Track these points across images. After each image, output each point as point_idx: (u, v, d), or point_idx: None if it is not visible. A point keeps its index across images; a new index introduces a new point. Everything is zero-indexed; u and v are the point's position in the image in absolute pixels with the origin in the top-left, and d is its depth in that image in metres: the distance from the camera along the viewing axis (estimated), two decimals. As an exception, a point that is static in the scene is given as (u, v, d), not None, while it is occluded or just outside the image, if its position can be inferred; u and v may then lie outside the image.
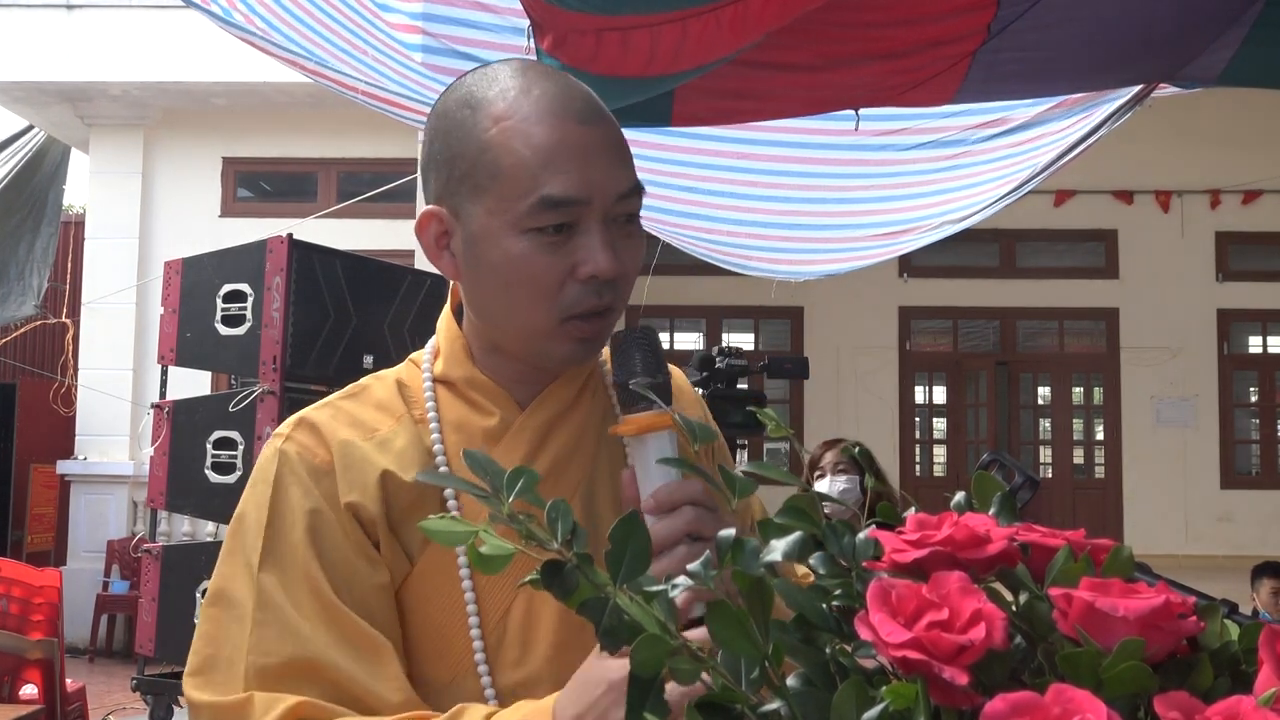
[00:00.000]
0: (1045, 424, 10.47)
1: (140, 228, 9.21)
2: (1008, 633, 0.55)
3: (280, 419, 3.31)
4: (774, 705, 0.57)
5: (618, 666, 0.84)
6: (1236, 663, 0.57)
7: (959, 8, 2.49)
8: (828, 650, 0.58)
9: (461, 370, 1.11)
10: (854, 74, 2.79)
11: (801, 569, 0.64)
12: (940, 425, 10.53)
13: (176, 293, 4.71)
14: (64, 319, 9.39)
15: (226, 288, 4.57)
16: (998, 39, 2.60)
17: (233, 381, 5.01)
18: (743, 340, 10.42)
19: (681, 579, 0.63)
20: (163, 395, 4.96)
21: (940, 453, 10.53)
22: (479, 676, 1.02)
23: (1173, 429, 9.88)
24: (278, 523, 1.01)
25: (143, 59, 8.63)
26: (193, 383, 6.99)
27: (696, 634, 0.64)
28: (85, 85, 8.80)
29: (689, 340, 10.64)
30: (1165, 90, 3.19)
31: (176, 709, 5.15)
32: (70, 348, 9.28)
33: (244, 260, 4.59)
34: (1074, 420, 10.39)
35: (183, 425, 4.61)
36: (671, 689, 0.59)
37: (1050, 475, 10.12)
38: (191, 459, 4.55)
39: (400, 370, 1.14)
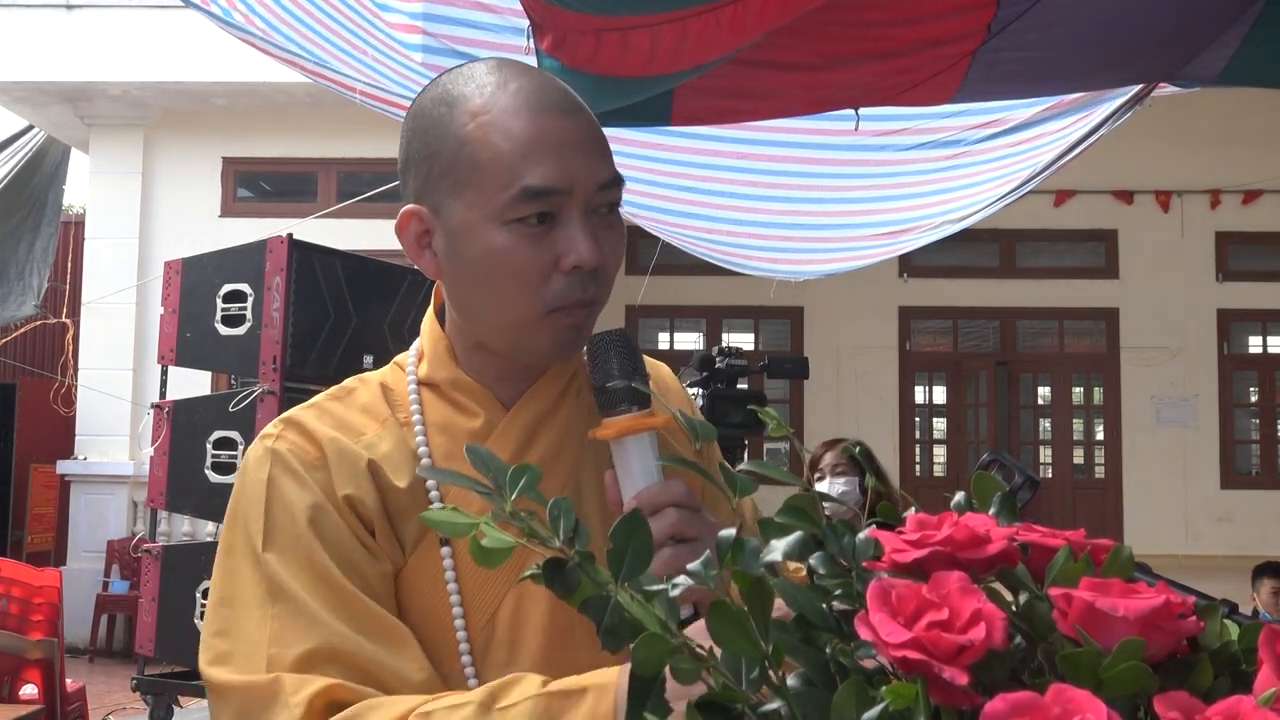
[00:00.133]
0: (1045, 424, 10.48)
1: (140, 228, 9.21)
2: (1008, 633, 0.55)
3: (280, 419, 3.31)
4: (774, 705, 0.57)
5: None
6: (1236, 663, 0.57)
7: (959, 7, 2.49)
8: (828, 650, 0.58)
9: (445, 372, 1.10)
10: (854, 73, 2.79)
11: (793, 563, 0.65)
12: (940, 425, 10.54)
13: (176, 293, 4.71)
14: (64, 319, 9.39)
15: (226, 288, 4.57)
16: (998, 38, 2.60)
17: (233, 381, 5.01)
18: (743, 340, 10.42)
19: (681, 579, 0.63)
20: (163, 395, 4.96)
21: (940, 453, 10.53)
22: (466, 680, 1.01)
23: (1173, 429, 9.89)
24: (278, 515, 1.00)
25: (142, 59, 8.63)
26: (193, 383, 6.99)
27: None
28: (85, 85, 8.80)
29: (689, 340, 10.64)
30: (1165, 90, 3.19)
31: (176, 709, 5.15)
32: (70, 348, 9.28)
33: (244, 260, 4.58)
34: (1074, 420, 10.39)
35: (183, 425, 4.61)
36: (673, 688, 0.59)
37: (1050, 475, 10.12)
38: (191, 459, 4.55)
39: (385, 373, 1.14)
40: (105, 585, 8.73)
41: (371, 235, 7.95)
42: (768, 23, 2.28)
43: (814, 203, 4.17)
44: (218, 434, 4.50)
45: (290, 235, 4.53)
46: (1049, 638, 0.57)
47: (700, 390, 3.20)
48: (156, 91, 8.92)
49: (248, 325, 4.49)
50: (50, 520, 9.91)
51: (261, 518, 1.01)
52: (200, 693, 5.23)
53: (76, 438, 9.20)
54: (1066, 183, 9.16)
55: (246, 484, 1.04)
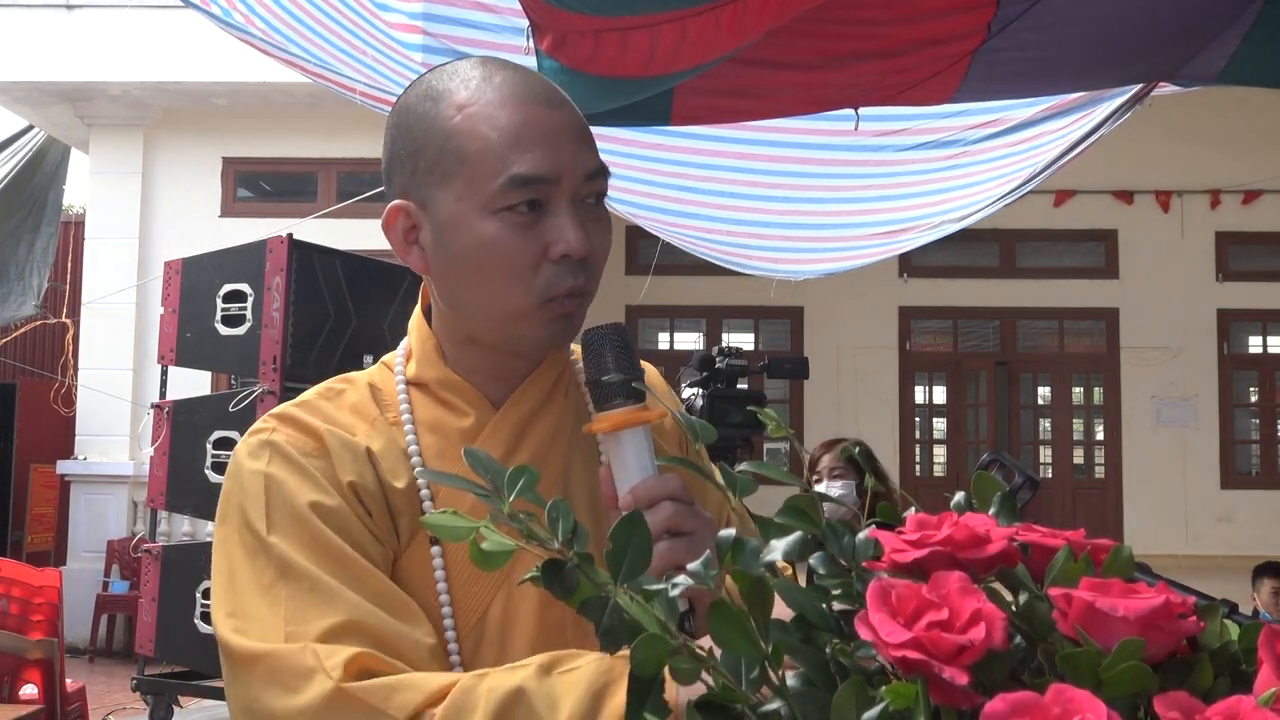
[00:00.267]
0: (1045, 424, 10.48)
1: (140, 228, 9.21)
2: (1007, 633, 0.55)
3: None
4: (774, 705, 0.57)
5: None
6: (1236, 663, 0.57)
7: (958, 6, 2.49)
8: (828, 650, 0.58)
9: (434, 371, 1.10)
10: (853, 72, 2.79)
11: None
12: (940, 425, 10.54)
13: (176, 293, 4.72)
14: (64, 319, 9.40)
15: (226, 288, 4.57)
16: (998, 38, 2.60)
17: (233, 381, 5.01)
18: (743, 340, 10.42)
19: (680, 578, 0.63)
20: (163, 395, 4.96)
21: (940, 453, 10.54)
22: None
23: (1173, 429, 9.89)
24: (279, 501, 0.99)
25: (142, 59, 8.63)
26: (193, 383, 6.99)
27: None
28: (85, 85, 8.80)
29: (689, 340, 10.64)
30: (1165, 89, 3.19)
31: (176, 709, 5.15)
32: (70, 348, 9.28)
33: (244, 260, 4.59)
34: (1074, 420, 10.40)
35: (183, 425, 4.61)
36: None
37: (1050, 475, 10.12)
38: (191, 459, 4.55)
39: (373, 373, 1.13)
40: (105, 585, 8.73)
41: (371, 235, 7.95)
42: (767, 22, 2.28)
43: (814, 202, 4.17)
44: (218, 434, 4.51)
45: (290, 235, 4.53)
46: (1049, 638, 0.57)
47: (700, 390, 3.20)
48: (156, 91, 8.92)
49: (248, 325, 4.49)
50: (50, 520, 9.92)
51: (262, 504, 0.99)
52: (200, 693, 5.23)
53: (76, 438, 9.20)
54: (1066, 183, 9.16)
55: (242, 476, 1.02)
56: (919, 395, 10.41)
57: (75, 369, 9.13)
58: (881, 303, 10.07)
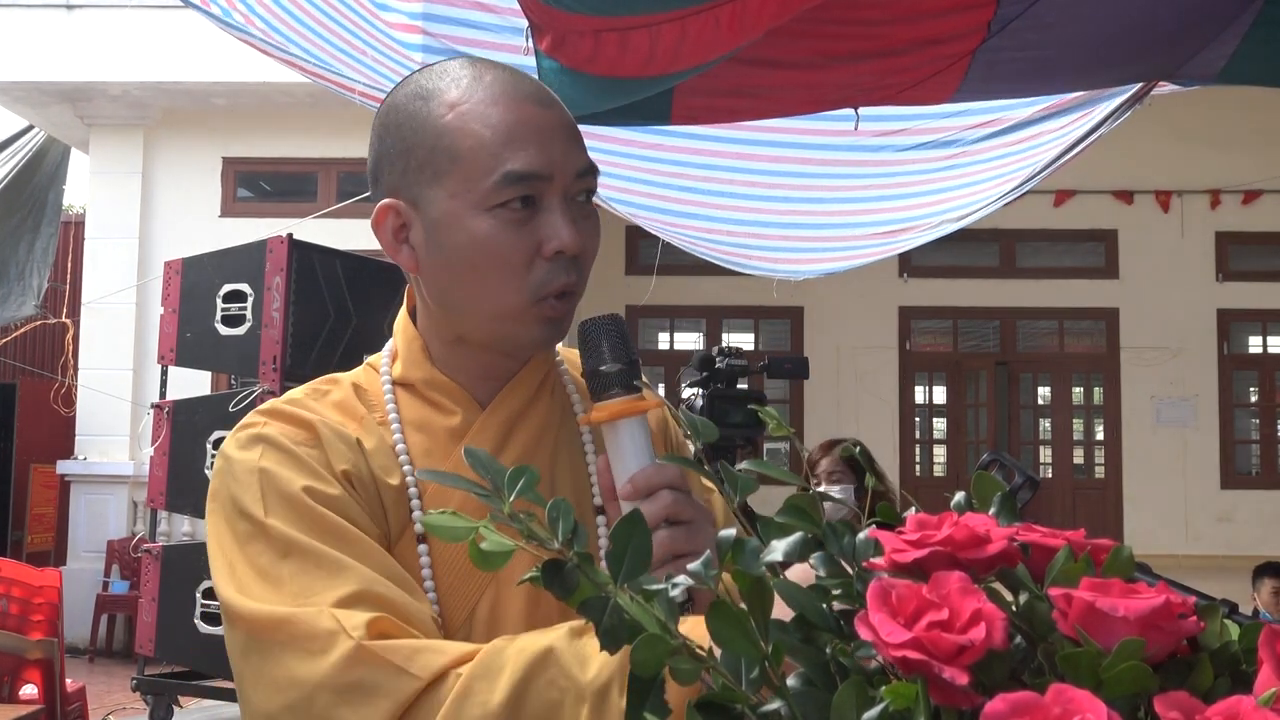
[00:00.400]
0: (1045, 424, 10.48)
1: (140, 228, 9.22)
2: (1008, 633, 0.55)
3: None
4: (774, 705, 0.57)
5: None
6: (1237, 663, 0.57)
7: (958, 5, 2.49)
8: (828, 650, 0.58)
9: (420, 371, 1.10)
10: (853, 72, 2.79)
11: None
12: (940, 425, 10.54)
13: (176, 293, 4.72)
14: (64, 319, 9.40)
15: (226, 288, 4.57)
16: (998, 37, 2.60)
17: (233, 381, 5.02)
18: (743, 340, 10.42)
19: (680, 578, 0.63)
20: (163, 395, 4.97)
21: (940, 453, 10.54)
22: None
23: (1173, 429, 9.89)
24: (275, 487, 0.98)
25: (142, 59, 8.63)
26: (193, 383, 6.99)
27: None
28: (85, 85, 8.80)
29: (689, 340, 10.64)
30: (1164, 89, 3.19)
31: (176, 709, 5.15)
32: (70, 348, 9.29)
33: (244, 260, 4.59)
34: (1074, 420, 10.40)
35: (183, 425, 4.61)
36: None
37: (1050, 475, 10.12)
38: (191, 459, 4.55)
39: (357, 374, 1.13)
40: (105, 585, 8.73)
41: (371, 235, 7.92)
42: (766, 22, 2.28)
43: (813, 202, 4.17)
44: (218, 434, 4.51)
45: (290, 235, 4.53)
46: (1049, 638, 0.57)
47: (700, 390, 3.20)
48: (156, 91, 8.92)
49: (248, 325, 4.50)
50: (50, 520, 9.92)
51: (257, 491, 0.98)
52: (200, 693, 5.23)
53: (76, 438, 9.20)
54: (1066, 183, 9.17)
55: (232, 469, 1.01)
56: (919, 395, 10.41)
57: (75, 369, 9.14)
58: (881, 303, 10.07)
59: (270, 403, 1.08)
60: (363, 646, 0.88)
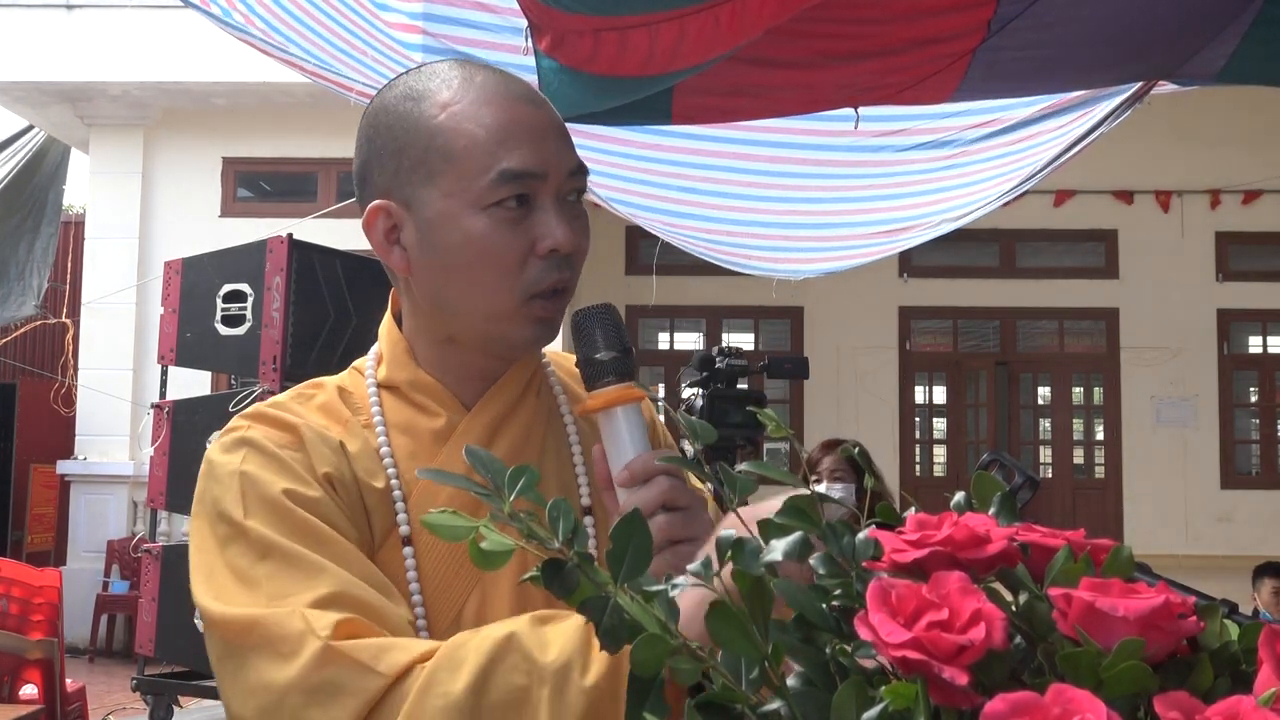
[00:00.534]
0: (1045, 424, 10.48)
1: (140, 228, 9.21)
2: (1007, 633, 0.55)
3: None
4: (774, 705, 0.57)
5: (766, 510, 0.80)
6: (1237, 663, 0.57)
7: (958, 5, 2.49)
8: (828, 650, 0.58)
9: (405, 373, 1.10)
10: (853, 71, 2.79)
11: None
12: (940, 425, 10.54)
13: (176, 293, 4.72)
14: (64, 319, 9.40)
15: (226, 288, 4.57)
16: (997, 36, 2.60)
17: (233, 381, 5.02)
18: (743, 340, 10.42)
19: (682, 579, 0.63)
20: (163, 395, 4.96)
21: (940, 453, 10.53)
22: None
23: (1173, 429, 9.89)
24: (255, 491, 0.99)
25: (142, 59, 8.63)
26: (193, 383, 6.99)
27: None
28: (85, 85, 8.80)
29: (689, 340, 10.64)
30: (1164, 88, 3.19)
31: (176, 709, 5.15)
32: (70, 348, 9.29)
33: (244, 260, 4.59)
34: (1074, 420, 10.39)
35: (183, 425, 4.61)
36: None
37: (1050, 475, 10.12)
38: (191, 459, 4.54)
39: (343, 378, 1.13)
40: (105, 585, 8.73)
41: (371, 235, 7.91)
42: (766, 21, 2.28)
43: (813, 202, 4.17)
44: (217, 434, 4.50)
45: (290, 235, 4.53)
46: (1049, 638, 0.57)
47: (700, 390, 3.20)
48: (156, 91, 8.92)
49: (248, 325, 4.49)
50: (50, 520, 9.92)
51: (238, 494, 0.99)
52: (200, 693, 5.23)
53: (76, 438, 9.20)
54: (1066, 183, 9.17)
55: (215, 472, 1.02)
56: (919, 395, 10.41)
57: (75, 369, 9.14)
58: (881, 303, 10.07)
59: (255, 407, 1.08)
60: (330, 647, 0.88)
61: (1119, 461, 10.02)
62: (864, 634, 0.54)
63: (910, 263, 9.81)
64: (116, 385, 8.92)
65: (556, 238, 1.02)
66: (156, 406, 4.74)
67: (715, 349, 3.25)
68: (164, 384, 5.09)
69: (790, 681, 0.58)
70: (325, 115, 8.56)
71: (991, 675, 0.54)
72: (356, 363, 1.15)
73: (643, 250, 9.84)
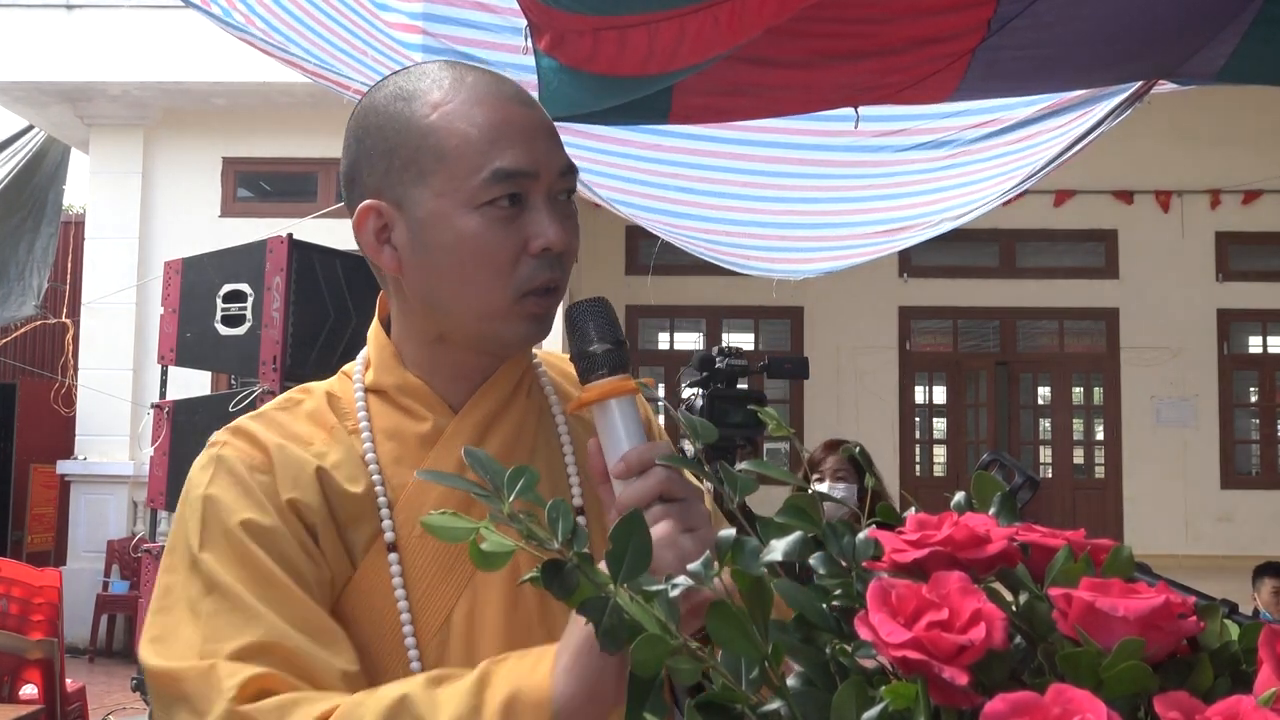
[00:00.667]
0: (1045, 424, 10.47)
1: (140, 228, 9.21)
2: (1007, 633, 0.55)
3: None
4: (774, 705, 0.56)
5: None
6: (1237, 663, 0.57)
7: (958, 4, 2.48)
8: (828, 650, 0.58)
9: (392, 377, 1.10)
10: (853, 71, 2.79)
11: None
12: (940, 425, 10.54)
13: (176, 293, 4.71)
14: (64, 319, 9.40)
15: (226, 288, 4.56)
16: (997, 36, 2.60)
17: (233, 381, 5.01)
18: (743, 340, 10.42)
19: (682, 579, 0.63)
20: (163, 395, 4.96)
21: (940, 453, 10.53)
22: None
23: (1173, 429, 9.88)
24: (215, 518, 1.00)
25: (143, 59, 8.63)
26: (193, 383, 6.99)
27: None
28: (85, 85, 8.80)
29: (689, 340, 10.64)
30: (1164, 87, 3.19)
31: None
32: (70, 348, 9.28)
33: (244, 260, 4.58)
34: (1074, 420, 10.39)
35: (183, 425, 4.61)
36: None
37: (1050, 475, 10.12)
38: (191, 460, 4.53)
39: (332, 383, 1.13)
40: (105, 585, 8.73)
41: (371, 235, 7.91)
42: (765, 20, 2.28)
43: (812, 202, 4.17)
44: (225, 428, 4.50)
45: (290, 235, 4.52)
46: (1049, 638, 0.57)
47: (700, 390, 3.20)
48: (156, 91, 8.92)
49: (248, 325, 4.49)
50: (50, 520, 9.91)
51: (199, 521, 1.01)
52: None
53: (76, 438, 9.19)
54: (1066, 183, 9.17)
55: (189, 490, 1.04)
56: (919, 395, 10.41)
57: (75, 369, 9.13)
58: (881, 303, 10.07)
59: (240, 419, 1.09)
60: (233, 710, 0.90)
61: (1119, 462, 10.02)
62: (864, 634, 0.54)
63: (910, 263, 9.81)
64: (116, 385, 8.91)
65: (549, 236, 1.02)
66: (156, 406, 4.74)
67: (715, 349, 3.25)
68: (164, 384, 5.08)
69: (790, 681, 0.58)
70: (325, 115, 8.56)
71: (991, 675, 0.54)
72: (346, 367, 1.15)
73: (643, 250, 9.84)
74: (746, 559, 0.62)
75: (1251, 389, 10.28)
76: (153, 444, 4.61)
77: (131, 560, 8.17)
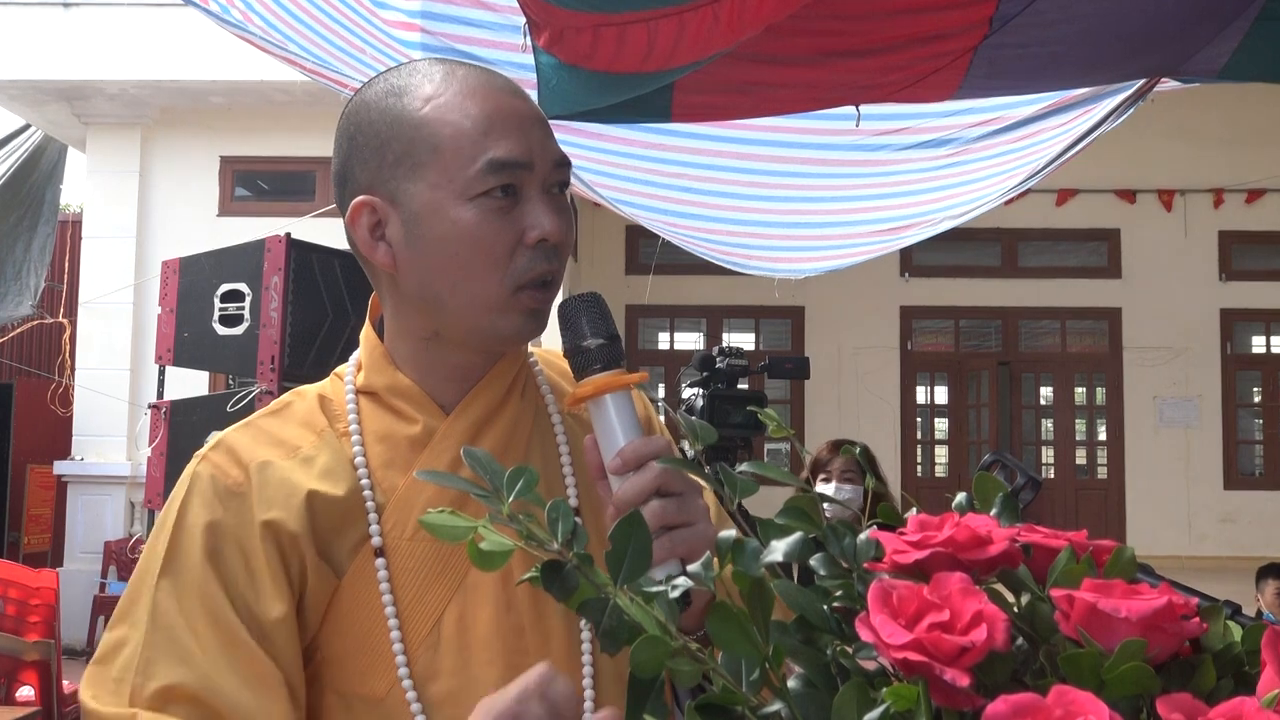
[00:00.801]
0: (1047, 424, 10.48)
1: (137, 227, 9.22)
2: (1009, 634, 0.54)
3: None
4: (775, 707, 0.56)
5: (504, 699, 0.85)
6: (1239, 664, 0.57)
7: (960, 1, 2.48)
8: (829, 652, 0.58)
9: (383, 378, 1.09)
10: (853, 68, 2.79)
11: None
12: (942, 425, 10.55)
13: (174, 292, 4.71)
14: (61, 319, 9.40)
15: (224, 287, 4.56)
16: (999, 34, 2.60)
17: (230, 381, 5.01)
18: (743, 340, 10.43)
19: (682, 579, 0.63)
20: (160, 395, 4.96)
21: (942, 453, 10.54)
22: (404, 691, 1.01)
23: (1175, 429, 9.89)
24: (180, 542, 1.01)
25: (140, 57, 8.63)
26: (190, 383, 6.99)
27: None
28: (82, 84, 8.80)
29: (689, 340, 10.65)
30: (1166, 86, 3.19)
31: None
32: (67, 348, 9.29)
33: (242, 260, 4.58)
34: (1076, 420, 10.40)
35: (180, 425, 4.60)
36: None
37: (1052, 476, 10.13)
38: (189, 459, 4.54)
39: (324, 385, 1.13)
40: (102, 586, 8.72)
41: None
42: (765, 17, 2.28)
43: (813, 201, 4.17)
44: (215, 435, 4.50)
45: (288, 234, 4.52)
46: (1051, 639, 0.56)
47: (700, 390, 3.20)
48: (154, 90, 8.92)
49: (245, 325, 4.49)
50: (47, 521, 9.92)
51: (165, 542, 1.01)
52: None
53: (73, 438, 9.19)
54: (1069, 182, 9.17)
55: (168, 505, 1.05)
56: (920, 395, 10.42)
57: (72, 369, 9.14)
58: (883, 302, 10.08)
59: (227, 431, 1.09)
60: None
61: (1121, 462, 10.03)
62: (865, 635, 0.54)
63: (912, 262, 9.82)
64: (114, 385, 8.92)
65: (545, 227, 1.02)
66: (154, 407, 4.74)
67: (716, 349, 3.25)
68: (161, 384, 5.09)
69: (791, 683, 0.57)
70: (323, 114, 8.56)
71: (993, 676, 0.54)
72: (338, 369, 1.14)
73: (643, 250, 9.85)
74: (747, 560, 0.62)
75: (1255, 389, 10.29)
76: (150, 444, 4.61)
77: (129, 561, 8.18)
